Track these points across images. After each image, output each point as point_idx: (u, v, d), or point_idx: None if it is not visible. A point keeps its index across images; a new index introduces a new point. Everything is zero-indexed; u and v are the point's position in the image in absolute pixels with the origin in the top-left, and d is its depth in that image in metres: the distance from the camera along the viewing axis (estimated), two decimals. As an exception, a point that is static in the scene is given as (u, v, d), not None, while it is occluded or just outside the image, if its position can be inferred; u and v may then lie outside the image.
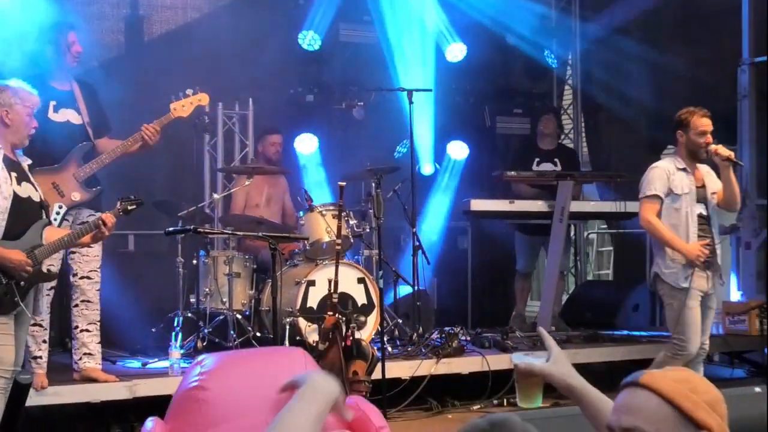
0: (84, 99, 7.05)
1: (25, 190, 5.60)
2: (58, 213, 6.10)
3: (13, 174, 5.56)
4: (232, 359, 2.68)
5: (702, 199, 6.86)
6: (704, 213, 6.83)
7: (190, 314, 8.10)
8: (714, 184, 6.86)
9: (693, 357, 6.67)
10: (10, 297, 5.42)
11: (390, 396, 6.99)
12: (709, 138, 6.75)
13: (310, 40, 10.24)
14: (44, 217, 5.72)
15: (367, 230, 8.58)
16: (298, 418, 2.41)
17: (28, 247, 5.50)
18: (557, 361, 2.79)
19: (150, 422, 2.49)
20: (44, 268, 5.67)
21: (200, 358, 2.77)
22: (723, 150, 6.75)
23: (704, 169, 6.88)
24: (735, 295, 9.99)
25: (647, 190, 6.86)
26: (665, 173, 6.78)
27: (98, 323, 7.04)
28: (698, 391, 2.30)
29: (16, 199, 5.50)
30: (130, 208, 5.99)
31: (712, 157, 6.76)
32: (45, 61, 7.00)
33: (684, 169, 6.78)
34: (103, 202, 6.88)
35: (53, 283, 6.34)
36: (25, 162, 5.81)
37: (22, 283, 5.48)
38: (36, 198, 5.70)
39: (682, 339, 6.67)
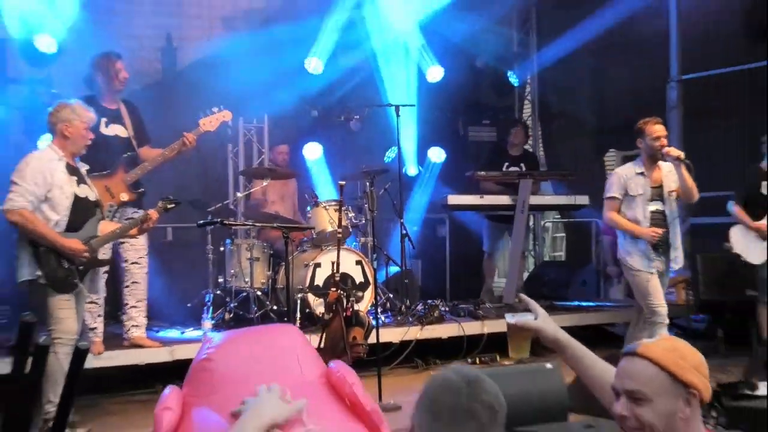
0: (129, 116, 7.09)
1: (83, 191, 5.65)
2: (110, 211, 6.13)
3: (74, 178, 5.61)
4: (235, 336, 2.68)
5: (657, 197, 6.80)
6: (660, 209, 6.77)
7: (218, 292, 8.10)
8: (673, 183, 6.78)
9: (664, 318, 6.64)
10: (71, 279, 5.47)
11: (383, 357, 6.97)
12: (663, 141, 6.70)
13: (314, 65, 10.22)
14: (99, 213, 5.73)
15: (363, 221, 8.59)
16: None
17: (85, 238, 5.55)
18: (545, 319, 2.81)
19: (168, 389, 2.48)
20: (99, 256, 5.74)
21: (209, 335, 2.78)
22: (674, 151, 6.68)
23: (665, 170, 6.80)
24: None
25: (608, 193, 6.83)
26: (622, 179, 6.73)
27: (144, 300, 7.10)
28: (686, 358, 2.37)
29: (76, 198, 5.57)
30: (169, 206, 6.07)
31: (665, 158, 6.70)
32: (97, 84, 7.03)
33: (642, 173, 6.70)
34: (144, 201, 6.88)
35: (107, 268, 6.34)
36: (83, 168, 5.84)
37: (81, 267, 5.56)
38: (92, 197, 5.74)
39: (653, 305, 6.63)
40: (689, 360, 2.36)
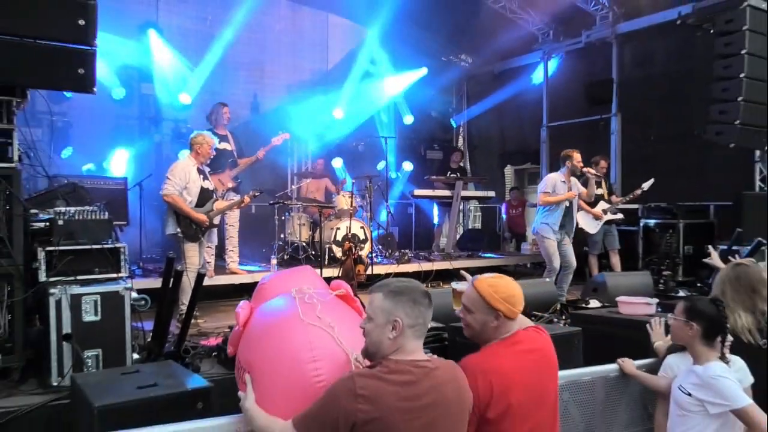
0: (232, 139, 7.15)
1: (206, 185, 5.73)
2: (221, 194, 6.17)
3: (201, 176, 5.67)
4: (278, 274, 2.67)
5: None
6: (567, 204, 6.61)
7: (280, 243, 8.07)
8: (577, 189, 6.66)
9: (558, 270, 6.48)
10: (197, 234, 5.55)
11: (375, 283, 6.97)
12: (582, 164, 6.62)
13: (338, 113, 10.23)
14: (214, 197, 5.79)
15: (365, 204, 8.58)
16: None
17: (206, 211, 5.61)
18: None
19: (242, 302, 2.50)
20: (214, 221, 5.76)
21: (262, 277, 2.74)
22: (591, 171, 6.70)
23: (573, 181, 6.66)
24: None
25: (543, 189, 6.54)
26: (554, 181, 6.52)
27: (237, 247, 7.13)
28: (499, 290, 2.33)
29: (202, 189, 5.65)
30: (256, 194, 6.08)
31: (584, 174, 6.64)
32: (214, 120, 7.12)
33: (563, 181, 6.53)
34: (240, 188, 6.94)
35: (216, 228, 6.38)
36: (207, 170, 5.88)
37: (203, 227, 5.60)
38: (211, 188, 5.80)
39: (552, 263, 6.50)
40: (501, 292, 2.32)
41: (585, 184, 6.86)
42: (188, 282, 4.96)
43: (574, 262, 6.65)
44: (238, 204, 6.14)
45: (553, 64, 10.55)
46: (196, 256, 5.54)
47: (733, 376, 2.64)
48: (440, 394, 1.97)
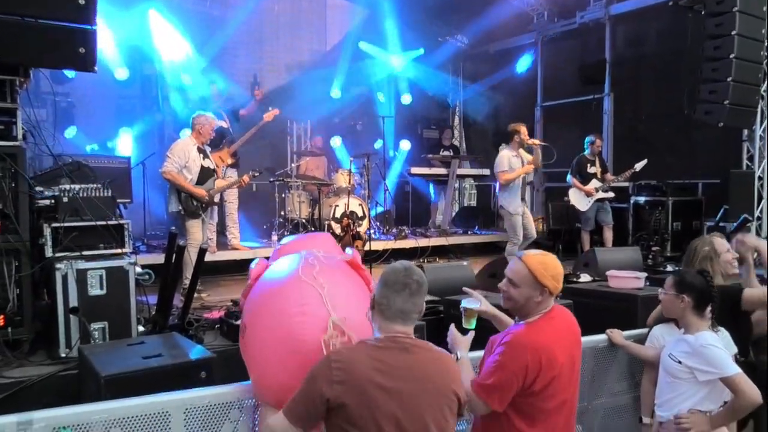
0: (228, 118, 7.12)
1: (206, 163, 5.71)
2: (224, 171, 6.15)
3: (201, 155, 5.64)
4: (298, 237, 2.65)
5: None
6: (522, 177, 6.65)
7: (280, 220, 8.08)
8: (527, 158, 6.66)
9: (522, 241, 6.55)
10: (198, 211, 5.55)
11: (373, 258, 6.97)
12: (527, 136, 6.66)
13: (336, 93, 10.18)
14: (215, 175, 5.77)
15: (363, 182, 8.54)
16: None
17: (207, 189, 5.57)
18: (485, 304, 2.71)
19: (258, 258, 2.50)
20: (215, 199, 5.75)
21: (282, 240, 2.73)
22: (536, 142, 6.73)
23: (523, 152, 6.67)
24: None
25: (499, 167, 6.55)
26: (507, 158, 6.52)
27: (237, 223, 7.13)
28: (548, 267, 2.35)
29: (202, 167, 5.63)
30: (256, 174, 6.12)
31: (530, 144, 6.65)
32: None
33: (516, 155, 6.56)
34: (240, 167, 6.92)
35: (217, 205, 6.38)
36: (207, 149, 5.86)
37: (203, 204, 5.59)
38: (212, 167, 5.79)
39: (515, 235, 6.55)
40: (550, 269, 2.34)
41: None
42: (189, 258, 4.94)
43: (534, 233, 6.75)
44: (236, 183, 6.14)
45: (546, 45, 10.48)
46: (198, 233, 5.53)
47: (722, 345, 2.68)
48: (420, 369, 1.97)
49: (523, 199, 6.70)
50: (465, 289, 2.85)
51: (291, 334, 2.08)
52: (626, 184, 8.08)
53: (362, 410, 1.87)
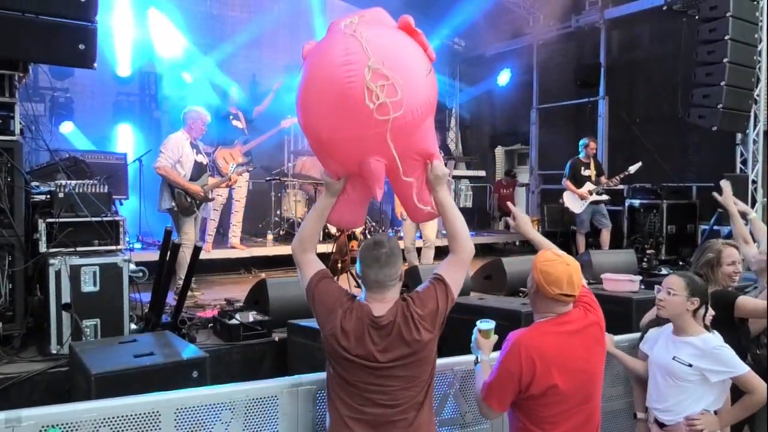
0: (243, 117, 7.03)
1: (200, 159, 5.62)
2: (233, 167, 6.07)
3: (194, 150, 5.55)
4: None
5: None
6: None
7: (277, 219, 8.00)
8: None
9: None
10: (192, 208, 5.44)
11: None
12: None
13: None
14: (208, 171, 5.71)
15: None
16: (311, 213, 2.41)
17: (201, 185, 5.50)
18: (525, 222, 2.76)
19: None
20: (209, 195, 5.67)
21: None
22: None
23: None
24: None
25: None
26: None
27: (240, 223, 7.00)
28: (549, 276, 2.30)
29: (195, 162, 5.53)
30: (240, 173, 6.22)
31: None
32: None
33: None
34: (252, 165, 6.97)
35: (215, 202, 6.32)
36: (201, 145, 5.77)
37: (197, 201, 5.50)
38: (205, 162, 5.72)
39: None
40: (548, 277, 2.29)
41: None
42: (183, 256, 4.86)
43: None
44: (225, 182, 6.03)
45: (542, 49, 10.45)
46: (191, 230, 5.44)
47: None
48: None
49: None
50: (508, 202, 3.15)
51: (339, 83, 2.08)
52: (621, 187, 8.05)
53: None
